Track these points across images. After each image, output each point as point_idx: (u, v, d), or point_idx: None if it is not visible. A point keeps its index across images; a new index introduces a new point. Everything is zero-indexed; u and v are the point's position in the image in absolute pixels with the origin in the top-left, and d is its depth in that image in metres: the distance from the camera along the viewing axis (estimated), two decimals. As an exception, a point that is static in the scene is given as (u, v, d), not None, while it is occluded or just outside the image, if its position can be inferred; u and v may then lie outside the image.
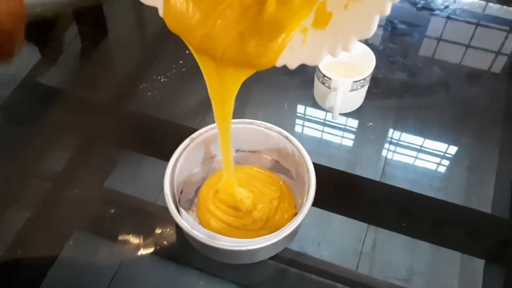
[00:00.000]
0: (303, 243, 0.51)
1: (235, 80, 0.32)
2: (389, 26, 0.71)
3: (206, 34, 0.29)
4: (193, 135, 0.49)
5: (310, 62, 0.29)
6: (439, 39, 0.71)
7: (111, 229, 0.52)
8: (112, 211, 0.53)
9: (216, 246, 0.41)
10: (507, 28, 0.73)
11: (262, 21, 0.28)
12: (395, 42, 0.69)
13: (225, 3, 0.28)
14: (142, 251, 0.50)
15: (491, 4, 0.76)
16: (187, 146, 0.48)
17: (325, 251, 0.50)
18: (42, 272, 0.48)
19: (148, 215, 0.53)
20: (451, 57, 0.69)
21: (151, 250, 0.50)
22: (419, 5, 0.74)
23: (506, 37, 0.72)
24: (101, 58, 0.70)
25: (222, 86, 0.33)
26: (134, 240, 0.51)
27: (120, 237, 0.51)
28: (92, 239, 0.52)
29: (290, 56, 0.30)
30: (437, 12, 0.74)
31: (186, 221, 0.42)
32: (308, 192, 0.44)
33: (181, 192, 0.50)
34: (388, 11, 0.24)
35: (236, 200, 0.48)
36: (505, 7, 0.76)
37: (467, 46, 0.71)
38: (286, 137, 0.49)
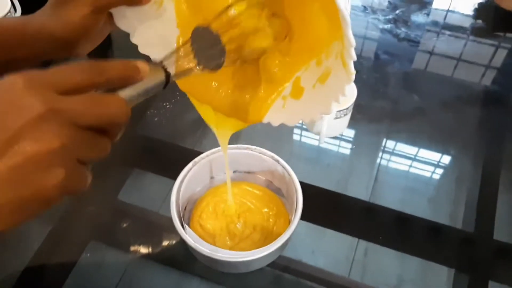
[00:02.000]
0: (298, 251, 0.56)
1: (232, 128, 0.42)
2: (372, 56, 0.79)
3: (218, 104, 0.38)
4: (196, 159, 0.56)
5: (287, 123, 0.37)
6: (430, 55, 0.78)
7: (121, 239, 0.58)
8: (122, 222, 0.59)
9: (216, 258, 0.47)
10: (486, 56, 0.80)
11: (255, 93, 0.36)
12: (377, 71, 0.76)
13: (230, 81, 0.36)
14: (147, 259, 0.56)
15: (471, 37, 0.83)
16: (191, 169, 0.55)
17: (319, 258, 0.56)
18: (62, 278, 0.54)
19: (154, 226, 0.59)
20: (429, 85, 0.76)
21: (155, 257, 0.56)
22: (400, 36, 0.82)
23: (487, 64, 0.79)
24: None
25: (224, 132, 0.43)
26: (141, 248, 0.57)
27: (129, 246, 0.57)
28: (105, 248, 0.58)
29: (273, 116, 0.38)
30: (417, 43, 0.81)
31: (190, 236, 0.49)
32: (296, 210, 0.51)
33: (185, 209, 0.57)
34: (346, 93, 0.32)
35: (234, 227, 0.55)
36: (483, 40, 0.83)
37: (458, 60, 0.78)
38: (277, 161, 0.56)
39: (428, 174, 0.65)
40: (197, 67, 0.32)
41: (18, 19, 0.34)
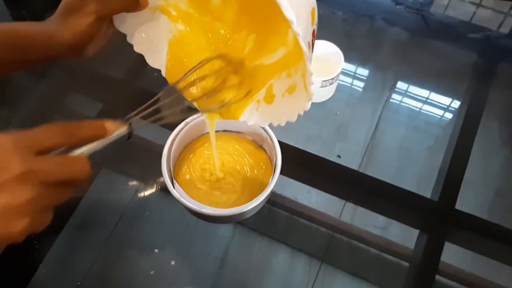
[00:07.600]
0: (295, 190, 0.61)
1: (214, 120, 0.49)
2: (368, 21, 0.79)
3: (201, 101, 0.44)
4: (187, 120, 0.60)
5: (260, 124, 0.42)
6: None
7: (128, 168, 0.65)
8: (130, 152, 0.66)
9: (201, 212, 0.54)
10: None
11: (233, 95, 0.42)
12: (370, 37, 0.77)
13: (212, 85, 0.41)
14: (150, 188, 0.62)
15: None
16: (182, 129, 0.60)
17: (314, 198, 0.61)
18: (74, 205, 0.63)
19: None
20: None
21: (158, 188, 0.62)
22: (399, 1, 0.82)
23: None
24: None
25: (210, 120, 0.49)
26: (145, 177, 0.63)
27: (137, 173, 0.64)
28: (113, 176, 0.65)
29: (248, 116, 0.44)
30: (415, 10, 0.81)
31: (177, 191, 0.56)
32: (273, 176, 0.56)
33: (177, 159, 0.63)
34: (308, 107, 0.36)
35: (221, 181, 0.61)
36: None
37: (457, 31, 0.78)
38: (262, 127, 0.61)
39: (415, 147, 0.69)
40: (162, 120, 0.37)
41: (33, 26, 0.40)
